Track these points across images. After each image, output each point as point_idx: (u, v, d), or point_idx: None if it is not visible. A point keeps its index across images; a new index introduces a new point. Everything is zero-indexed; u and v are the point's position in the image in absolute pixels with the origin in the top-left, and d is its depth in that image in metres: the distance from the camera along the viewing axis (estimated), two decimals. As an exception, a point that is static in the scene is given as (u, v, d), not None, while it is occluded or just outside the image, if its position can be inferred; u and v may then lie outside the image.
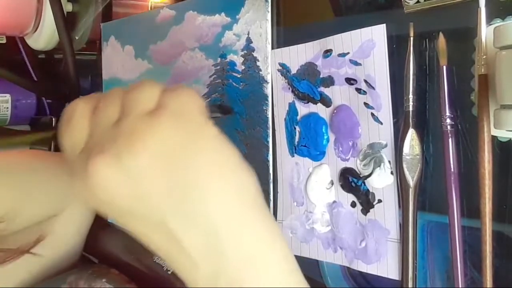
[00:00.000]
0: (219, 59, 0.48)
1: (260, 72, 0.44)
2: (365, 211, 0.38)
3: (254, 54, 0.44)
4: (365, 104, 0.37)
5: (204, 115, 0.29)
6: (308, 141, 0.41)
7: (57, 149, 0.78)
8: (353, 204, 0.39)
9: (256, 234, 0.28)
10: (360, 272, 0.39)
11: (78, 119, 0.30)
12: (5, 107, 0.76)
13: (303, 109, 0.42)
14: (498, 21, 0.30)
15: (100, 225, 0.62)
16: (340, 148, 0.39)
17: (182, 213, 0.27)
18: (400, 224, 0.35)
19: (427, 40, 0.34)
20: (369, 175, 0.37)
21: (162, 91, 0.29)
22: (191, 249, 0.27)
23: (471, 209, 0.32)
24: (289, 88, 0.42)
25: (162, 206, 0.27)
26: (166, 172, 0.27)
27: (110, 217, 0.30)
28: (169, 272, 0.52)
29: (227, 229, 0.27)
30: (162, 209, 0.27)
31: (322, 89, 0.40)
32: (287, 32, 0.43)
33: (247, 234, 0.28)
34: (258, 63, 0.44)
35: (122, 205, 0.27)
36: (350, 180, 0.39)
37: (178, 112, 0.28)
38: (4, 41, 0.78)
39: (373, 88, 0.36)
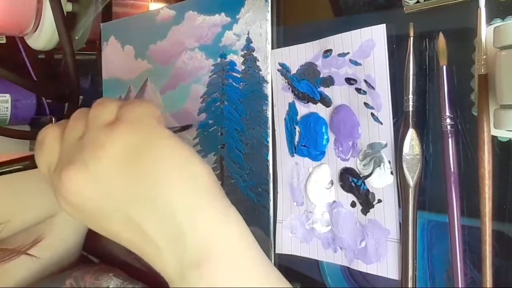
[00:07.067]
0: (219, 59, 0.48)
1: (260, 72, 0.44)
2: (365, 211, 0.38)
3: (254, 54, 0.44)
4: (365, 104, 0.37)
5: (157, 120, 0.32)
6: (308, 141, 0.41)
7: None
8: (353, 204, 0.39)
9: (210, 216, 0.30)
10: (360, 272, 0.39)
11: (49, 141, 0.33)
12: (5, 107, 0.76)
13: (303, 109, 0.42)
14: (498, 21, 0.30)
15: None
16: (340, 148, 0.39)
17: (143, 203, 0.30)
18: (400, 224, 0.35)
19: (427, 40, 0.34)
20: (369, 175, 0.37)
21: (120, 106, 0.32)
22: (154, 236, 0.30)
23: (471, 208, 0.32)
24: (289, 88, 0.42)
25: (125, 200, 0.30)
26: (126, 170, 0.30)
27: (85, 223, 0.33)
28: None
29: (182, 212, 0.30)
30: (126, 203, 0.30)
31: (322, 89, 0.40)
32: (287, 32, 0.43)
33: (201, 217, 0.30)
34: (258, 63, 0.44)
35: (92, 207, 0.31)
36: (350, 180, 0.39)
37: (133, 121, 0.31)
38: (4, 41, 0.78)
39: (373, 88, 0.36)
